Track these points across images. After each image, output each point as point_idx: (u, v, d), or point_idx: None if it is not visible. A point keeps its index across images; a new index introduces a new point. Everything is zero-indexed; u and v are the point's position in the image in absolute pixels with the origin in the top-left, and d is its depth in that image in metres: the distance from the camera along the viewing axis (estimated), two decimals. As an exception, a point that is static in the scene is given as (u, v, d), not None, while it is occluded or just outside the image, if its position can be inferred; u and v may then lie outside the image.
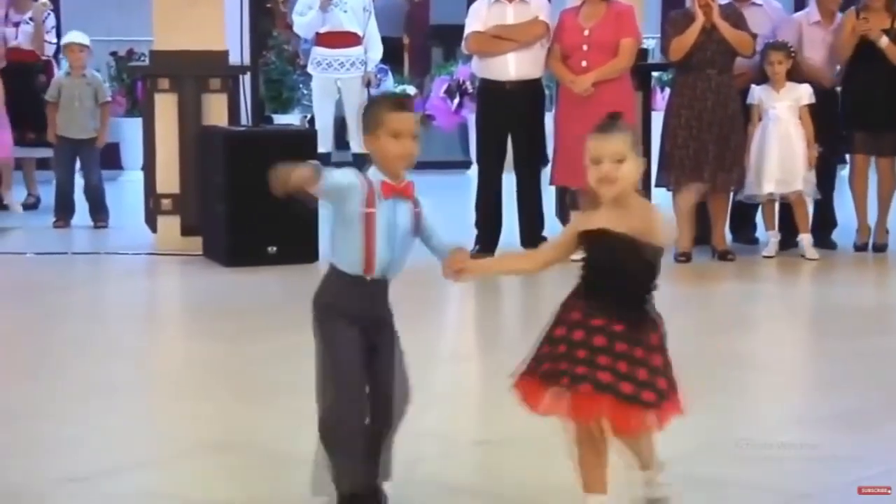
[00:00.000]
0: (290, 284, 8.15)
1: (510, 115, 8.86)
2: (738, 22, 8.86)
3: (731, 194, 9.09)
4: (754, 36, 8.92)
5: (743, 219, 9.64)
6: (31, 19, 11.51)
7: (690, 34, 8.77)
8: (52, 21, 11.72)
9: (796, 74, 9.01)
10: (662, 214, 3.68)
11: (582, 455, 3.74)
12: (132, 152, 12.71)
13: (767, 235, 9.18)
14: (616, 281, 3.66)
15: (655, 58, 11.31)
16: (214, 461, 4.68)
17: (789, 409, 5.52)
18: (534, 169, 9.05)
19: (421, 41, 17.01)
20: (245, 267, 8.46)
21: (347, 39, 11.45)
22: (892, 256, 9.21)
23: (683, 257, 8.70)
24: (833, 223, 9.51)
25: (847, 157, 9.53)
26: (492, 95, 8.99)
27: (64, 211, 10.61)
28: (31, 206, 11.58)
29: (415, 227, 3.81)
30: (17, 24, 11.48)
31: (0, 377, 5.95)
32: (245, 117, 9.64)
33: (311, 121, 12.81)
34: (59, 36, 11.64)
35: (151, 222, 9.50)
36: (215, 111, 9.28)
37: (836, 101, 9.21)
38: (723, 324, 7.17)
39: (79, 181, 10.79)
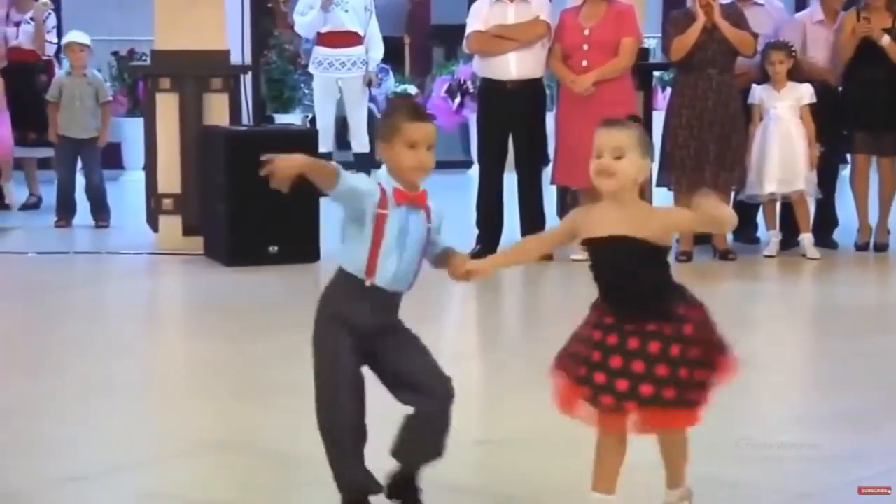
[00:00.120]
0: (291, 284, 8.17)
1: (511, 115, 8.86)
2: (739, 21, 8.86)
3: (733, 194, 9.10)
4: (755, 35, 8.92)
5: (744, 218, 9.61)
6: (31, 19, 11.51)
7: (691, 34, 8.77)
8: (52, 21, 11.72)
9: (797, 74, 9.01)
10: (675, 210, 3.69)
11: (600, 456, 3.73)
12: (133, 152, 12.73)
13: (768, 235, 9.18)
14: (627, 285, 3.65)
15: (656, 57, 11.31)
16: (214, 461, 4.68)
17: (789, 409, 5.52)
18: (535, 168, 9.05)
19: (422, 41, 17.02)
20: (246, 266, 8.47)
21: (349, 39, 11.46)
22: (893, 256, 9.22)
23: (684, 256, 8.71)
24: (834, 223, 9.52)
25: (848, 156, 9.54)
26: (493, 95, 8.99)
27: (65, 210, 10.61)
28: (33, 205, 11.58)
29: (426, 239, 3.76)
30: (17, 24, 11.48)
31: (0, 376, 5.95)
32: (246, 117, 9.64)
33: (313, 120, 12.82)
34: (60, 35, 11.64)
35: (153, 222, 9.50)
36: (216, 111, 9.28)
37: (837, 101, 9.20)
38: (723, 323, 7.12)
39: (80, 181, 10.79)
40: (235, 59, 9.45)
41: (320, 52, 11.50)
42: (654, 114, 10.15)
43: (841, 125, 9.22)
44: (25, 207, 11.50)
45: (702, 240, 8.88)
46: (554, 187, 9.38)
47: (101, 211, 10.59)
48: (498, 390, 5.86)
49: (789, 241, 9.12)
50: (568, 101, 8.73)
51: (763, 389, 5.77)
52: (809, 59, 9.27)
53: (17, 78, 11.10)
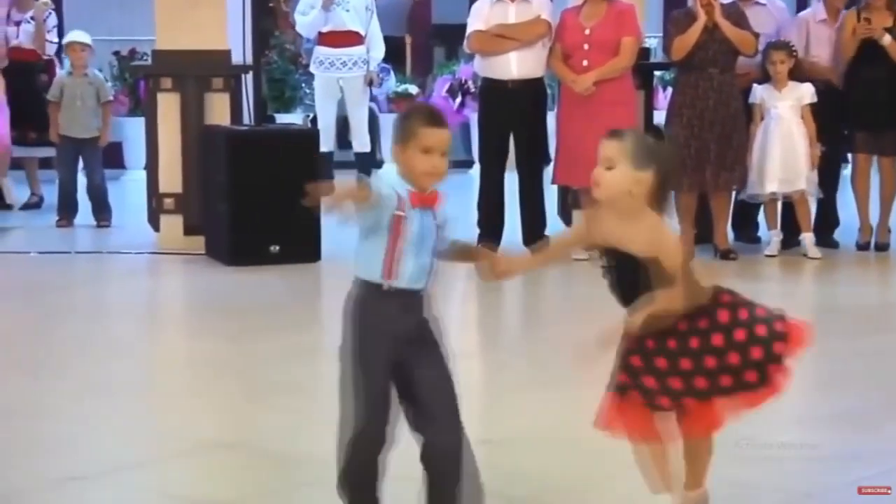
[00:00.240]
0: (292, 284, 8.17)
1: (512, 114, 8.86)
2: (740, 21, 8.86)
3: (734, 193, 9.10)
4: (756, 35, 8.91)
5: (745, 217, 9.64)
6: (32, 18, 11.51)
7: (692, 33, 8.76)
8: (53, 20, 11.71)
9: (798, 73, 9.01)
10: (672, 238, 3.68)
11: (654, 460, 3.79)
12: (135, 152, 12.73)
13: (769, 234, 9.18)
14: (627, 291, 3.69)
15: (657, 57, 11.31)
16: (214, 461, 4.69)
17: (789, 409, 5.50)
18: (536, 168, 9.04)
19: (423, 40, 17.01)
20: (247, 266, 8.46)
21: (350, 39, 11.46)
22: (894, 256, 9.21)
23: (685, 256, 8.69)
24: (835, 222, 9.51)
25: (849, 156, 9.53)
26: (494, 94, 8.99)
27: (67, 210, 10.61)
28: (34, 205, 11.58)
29: (436, 237, 3.68)
30: (18, 24, 11.48)
31: (1, 376, 5.95)
32: (247, 117, 9.64)
33: (314, 120, 12.82)
34: (60, 35, 11.64)
35: (154, 221, 9.50)
36: (218, 110, 9.28)
37: (838, 101, 9.20)
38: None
39: (81, 180, 10.79)
40: (236, 58, 9.45)
41: (321, 51, 11.50)
42: (655, 113, 10.14)
43: (842, 125, 9.21)
44: (27, 207, 11.50)
45: (703, 239, 8.88)
46: (555, 187, 9.38)
47: (102, 211, 10.60)
48: (498, 390, 5.86)
49: (790, 240, 9.12)
50: (569, 101, 8.73)
51: (763, 389, 5.77)
52: (812, 58, 9.27)
53: (17, 77, 11.09)
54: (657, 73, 11.70)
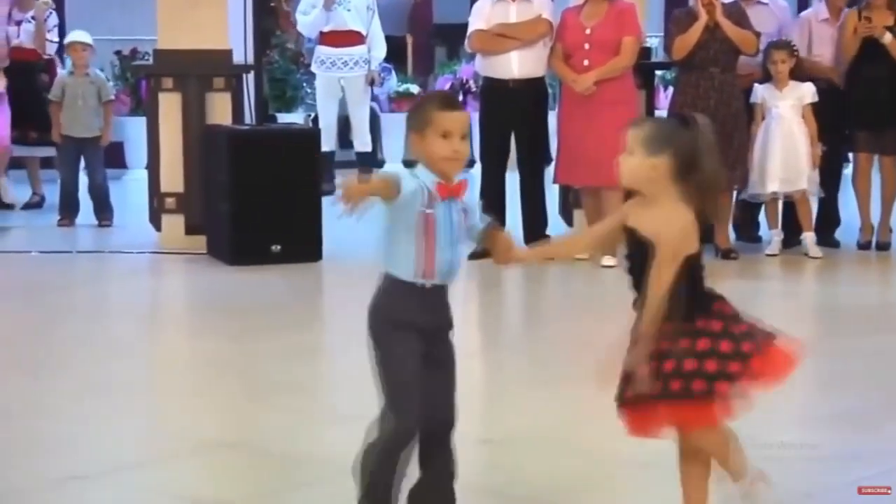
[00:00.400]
0: (293, 283, 8.17)
1: (513, 114, 8.87)
2: (741, 20, 8.85)
3: (735, 193, 9.09)
4: (757, 34, 8.91)
5: (746, 217, 9.63)
6: (33, 18, 11.51)
7: (693, 33, 8.76)
8: (54, 20, 11.71)
9: (799, 73, 9.01)
10: (675, 227, 3.66)
11: (686, 473, 3.77)
12: (136, 151, 12.75)
13: (770, 234, 9.17)
14: (638, 278, 3.68)
15: (658, 56, 11.31)
16: (216, 460, 4.69)
17: (789, 409, 5.51)
18: (537, 167, 9.05)
19: (424, 40, 17.02)
20: (249, 265, 8.46)
21: (351, 38, 11.47)
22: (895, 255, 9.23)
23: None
24: (836, 221, 9.51)
25: (850, 155, 9.53)
26: (495, 94, 9.00)
27: (68, 210, 10.62)
28: (36, 204, 11.59)
29: (464, 226, 3.68)
30: (19, 23, 11.48)
31: (2, 375, 5.95)
32: (249, 116, 9.65)
33: (315, 120, 12.82)
34: (61, 35, 11.64)
35: (155, 221, 9.51)
36: (219, 110, 9.28)
37: (839, 100, 9.19)
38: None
39: (83, 180, 10.80)
40: (238, 58, 9.45)
41: (322, 51, 11.51)
42: (657, 113, 10.14)
43: (843, 124, 9.21)
44: (28, 206, 11.51)
45: (704, 238, 8.85)
46: (556, 186, 9.38)
47: (103, 210, 10.60)
48: (499, 389, 5.86)
49: (791, 240, 9.12)
50: (569, 101, 8.72)
51: (764, 389, 5.77)
52: (815, 57, 9.27)
53: (18, 77, 11.09)
54: (658, 72, 11.71)
